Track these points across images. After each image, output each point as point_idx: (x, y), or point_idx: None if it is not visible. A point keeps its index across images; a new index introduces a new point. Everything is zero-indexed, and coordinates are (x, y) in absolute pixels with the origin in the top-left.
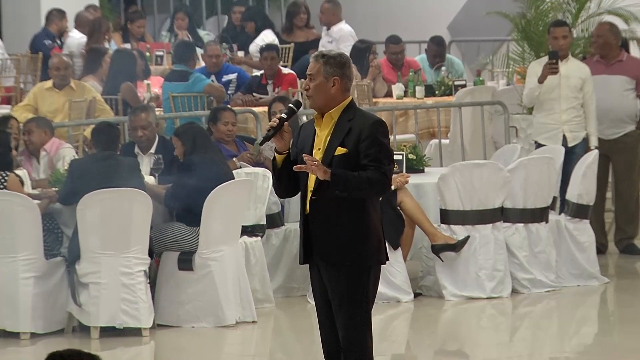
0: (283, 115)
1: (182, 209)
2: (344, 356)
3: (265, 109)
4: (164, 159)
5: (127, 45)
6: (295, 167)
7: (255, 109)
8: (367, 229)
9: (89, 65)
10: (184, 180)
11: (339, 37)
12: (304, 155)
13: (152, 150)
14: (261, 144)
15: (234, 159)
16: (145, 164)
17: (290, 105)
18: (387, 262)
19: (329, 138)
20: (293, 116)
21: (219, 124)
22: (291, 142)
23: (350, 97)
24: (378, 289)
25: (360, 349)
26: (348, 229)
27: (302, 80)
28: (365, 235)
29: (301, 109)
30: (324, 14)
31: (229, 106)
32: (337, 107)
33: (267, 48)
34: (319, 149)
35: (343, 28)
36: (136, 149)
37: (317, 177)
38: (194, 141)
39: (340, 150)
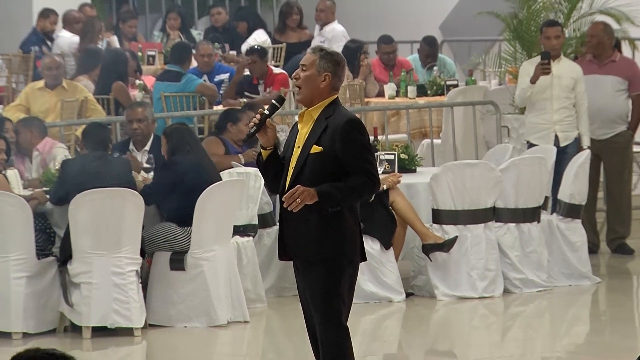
0: (266, 111)
1: (166, 208)
2: (321, 353)
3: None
4: (157, 157)
5: (114, 40)
6: (284, 205)
7: None
8: (340, 228)
9: (83, 64)
10: (161, 178)
11: (332, 37)
12: (284, 197)
13: (147, 148)
14: (244, 141)
15: (240, 155)
16: (140, 158)
17: (273, 101)
18: (364, 260)
19: (307, 136)
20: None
21: (241, 124)
22: (277, 137)
23: (336, 96)
24: (370, 289)
25: (334, 346)
26: (320, 227)
27: (295, 80)
28: (337, 234)
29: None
30: (323, 12)
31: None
32: (318, 105)
33: (249, 51)
34: (299, 147)
35: (336, 28)
36: (131, 146)
37: (292, 174)
38: (178, 141)
39: (315, 149)
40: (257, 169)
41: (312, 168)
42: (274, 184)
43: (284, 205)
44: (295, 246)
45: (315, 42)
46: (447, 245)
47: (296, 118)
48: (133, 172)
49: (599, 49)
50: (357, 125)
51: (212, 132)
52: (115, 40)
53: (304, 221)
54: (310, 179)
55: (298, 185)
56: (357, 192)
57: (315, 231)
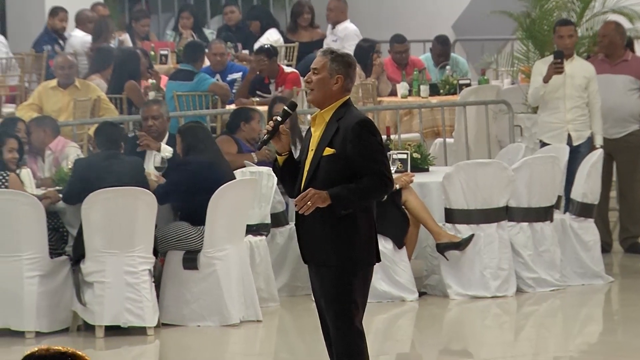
0: (278, 118)
1: (180, 208)
2: (335, 355)
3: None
4: (171, 156)
5: (127, 39)
6: (296, 209)
7: (259, 107)
8: (354, 230)
9: (95, 63)
10: (175, 178)
11: (344, 36)
12: (295, 200)
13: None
14: (259, 148)
15: (252, 154)
16: (153, 157)
17: (285, 107)
18: (379, 262)
19: (319, 138)
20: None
21: (253, 122)
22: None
23: (347, 97)
24: (383, 288)
25: (347, 348)
26: (335, 230)
27: (307, 83)
28: (352, 237)
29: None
30: (332, 12)
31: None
32: (330, 107)
33: (257, 51)
34: (312, 150)
35: (348, 27)
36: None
37: (306, 178)
38: (193, 140)
39: (328, 151)
40: (270, 168)
41: (325, 170)
42: (292, 189)
43: (296, 209)
44: (310, 249)
45: (327, 41)
46: (463, 244)
47: (309, 117)
48: (146, 171)
49: (610, 48)
50: (368, 126)
51: (224, 131)
52: (127, 39)
53: (318, 224)
54: (324, 182)
55: (310, 188)
56: (370, 193)
57: (329, 234)
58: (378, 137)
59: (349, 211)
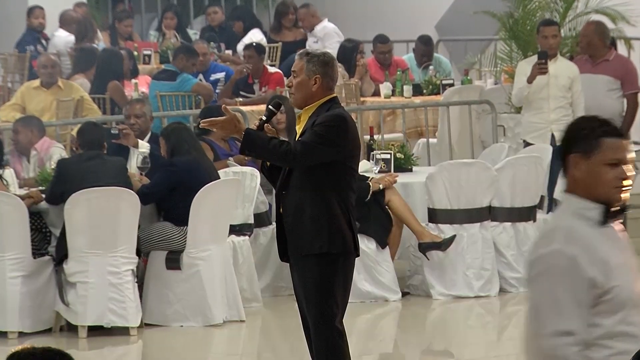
0: (263, 117)
1: (164, 208)
2: (314, 348)
3: (253, 108)
4: (153, 156)
5: (99, 36)
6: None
7: (243, 107)
8: (329, 218)
9: (79, 63)
10: (160, 178)
11: (324, 36)
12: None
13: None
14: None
15: (229, 159)
16: (136, 157)
17: (270, 107)
18: (357, 256)
19: (300, 133)
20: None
21: None
22: None
23: (333, 95)
24: (366, 288)
25: (328, 348)
26: (312, 219)
27: (288, 88)
28: (328, 225)
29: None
30: (303, 21)
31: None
32: (314, 104)
33: (246, 47)
34: None
35: (327, 26)
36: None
37: (284, 173)
38: (177, 142)
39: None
40: (253, 168)
41: None
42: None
43: (201, 125)
44: (292, 241)
45: (308, 43)
46: (444, 244)
47: None
48: (129, 172)
49: (590, 49)
50: (336, 119)
51: (197, 133)
52: (100, 36)
53: (298, 215)
54: (300, 171)
55: (237, 122)
56: (277, 152)
57: (308, 224)
58: (335, 133)
59: (250, 155)
